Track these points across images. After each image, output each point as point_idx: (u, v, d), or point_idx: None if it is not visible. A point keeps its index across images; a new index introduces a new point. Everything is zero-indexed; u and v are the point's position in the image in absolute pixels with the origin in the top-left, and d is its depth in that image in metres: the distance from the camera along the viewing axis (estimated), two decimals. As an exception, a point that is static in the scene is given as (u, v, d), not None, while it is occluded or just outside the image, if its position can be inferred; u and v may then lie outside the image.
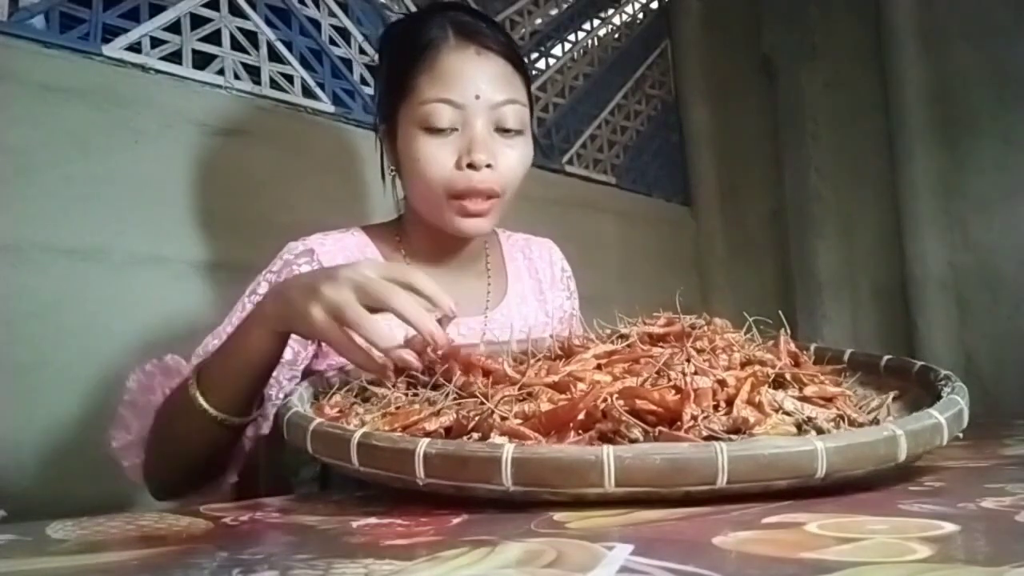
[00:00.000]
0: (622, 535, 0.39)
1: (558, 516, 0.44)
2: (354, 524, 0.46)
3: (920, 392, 0.68)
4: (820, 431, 0.54)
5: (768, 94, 2.21)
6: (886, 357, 0.75)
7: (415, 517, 0.47)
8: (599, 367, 0.64)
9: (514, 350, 0.79)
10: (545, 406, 0.55)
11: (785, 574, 0.30)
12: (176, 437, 0.75)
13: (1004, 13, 1.85)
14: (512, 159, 0.89)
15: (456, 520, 0.45)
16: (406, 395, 0.64)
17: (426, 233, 0.94)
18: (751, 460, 0.45)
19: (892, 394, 0.67)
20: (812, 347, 0.79)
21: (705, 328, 0.71)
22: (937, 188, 1.92)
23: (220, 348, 0.76)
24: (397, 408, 0.60)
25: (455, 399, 0.60)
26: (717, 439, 0.50)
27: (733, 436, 0.51)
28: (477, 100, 0.86)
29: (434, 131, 0.86)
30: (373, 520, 0.47)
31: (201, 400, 0.71)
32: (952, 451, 0.67)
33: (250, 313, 0.74)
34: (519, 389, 0.58)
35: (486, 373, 0.65)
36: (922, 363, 0.71)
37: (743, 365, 0.63)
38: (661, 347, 0.68)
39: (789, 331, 0.73)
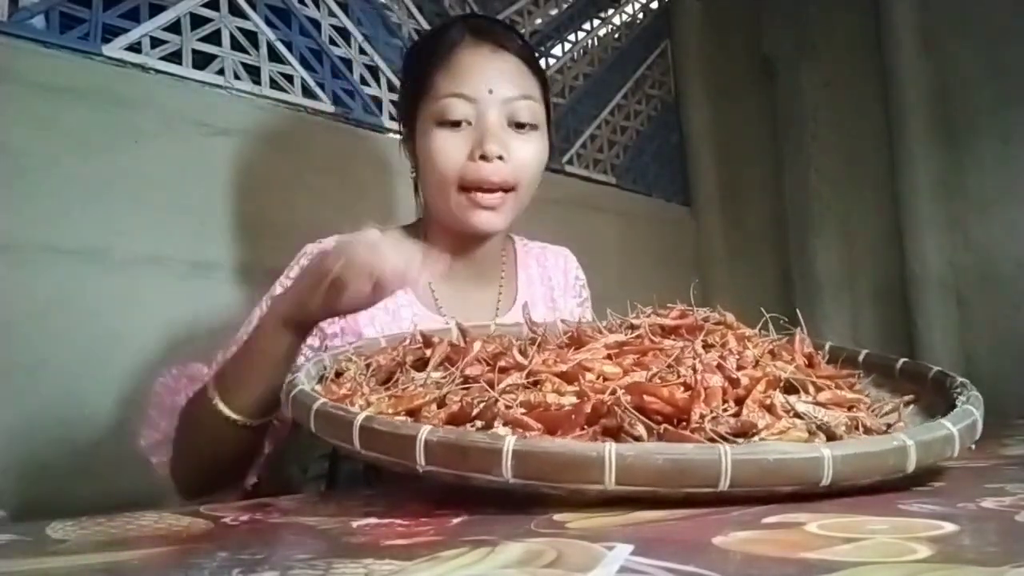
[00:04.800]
0: (622, 535, 0.39)
1: (558, 516, 0.44)
2: (354, 524, 0.46)
3: (935, 399, 0.66)
4: (832, 435, 0.52)
5: (768, 94, 2.21)
6: (902, 360, 0.74)
7: (415, 517, 0.47)
8: (609, 357, 0.63)
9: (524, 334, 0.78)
10: (551, 396, 0.55)
11: (785, 574, 0.30)
12: (198, 439, 0.78)
13: (1004, 13, 1.85)
14: (526, 152, 0.90)
15: (456, 520, 0.45)
16: (413, 380, 0.64)
17: (443, 235, 0.95)
18: (755, 464, 0.44)
19: (908, 397, 0.65)
20: (827, 346, 0.77)
21: (719, 322, 0.71)
22: (937, 188, 1.92)
23: (237, 352, 0.79)
24: (404, 389, 0.60)
25: (461, 384, 0.59)
26: (722, 440, 0.49)
27: (739, 439, 0.49)
28: (490, 94, 0.88)
29: (448, 125, 0.88)
30: (373, 520, 0.47)
31: (220, 403, 0.74)
32: (952, 451, 0.67)
33: (264, 314, 0.78)
34: (526, 376, 0.58)
35: (496, 362, 0.64)
36: (938, 368, 0.69)
37: (756, 364, 0.61)
38: (673, 339, 0.67)
39: (805, 329, 0.71)
